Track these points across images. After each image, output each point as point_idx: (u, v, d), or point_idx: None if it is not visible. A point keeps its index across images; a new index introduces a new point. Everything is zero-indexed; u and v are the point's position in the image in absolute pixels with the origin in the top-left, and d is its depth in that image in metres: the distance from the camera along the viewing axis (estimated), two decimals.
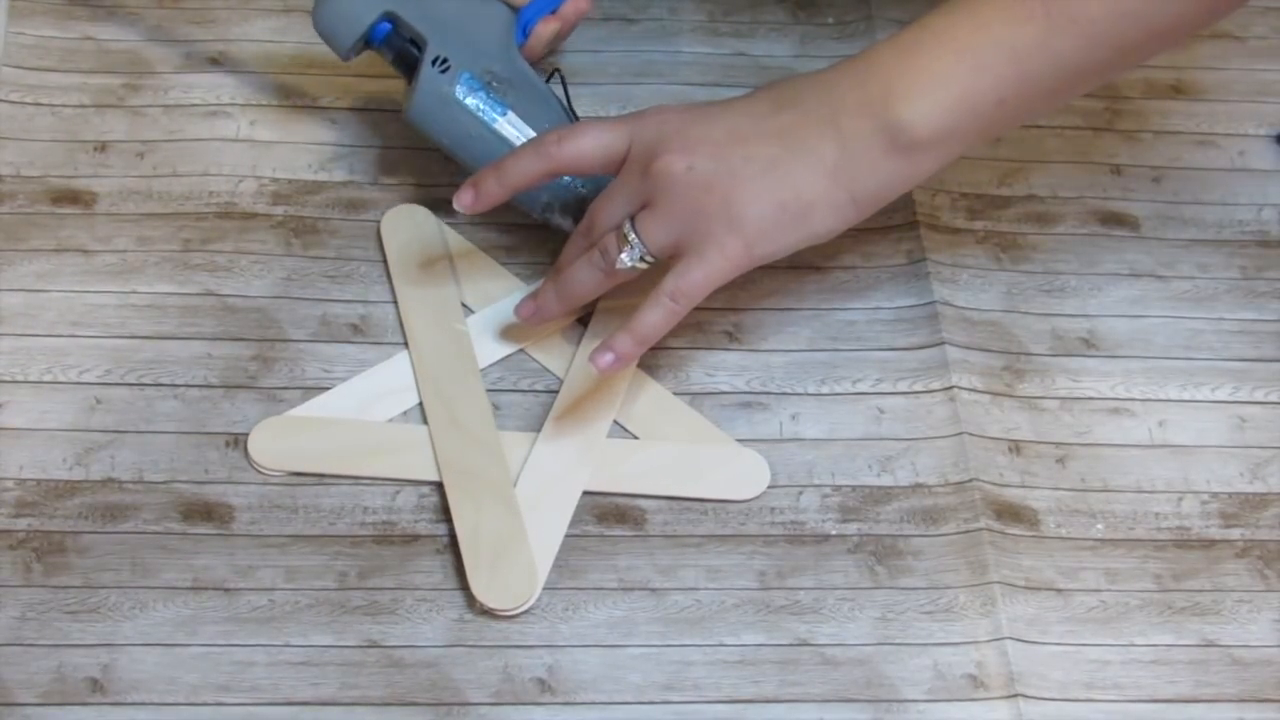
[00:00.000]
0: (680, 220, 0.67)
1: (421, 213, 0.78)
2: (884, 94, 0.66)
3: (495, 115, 0.74)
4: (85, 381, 0.71)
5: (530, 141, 0.71)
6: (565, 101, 0.77)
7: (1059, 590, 0.69)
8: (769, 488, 0.70)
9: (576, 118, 0.78)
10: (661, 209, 0.67)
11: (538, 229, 0.78)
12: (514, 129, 0.74)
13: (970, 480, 0.71)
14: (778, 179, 0.67)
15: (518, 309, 0.73)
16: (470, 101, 0.74)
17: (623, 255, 0.68)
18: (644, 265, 0.69)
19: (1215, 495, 0.72)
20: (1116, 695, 0.66)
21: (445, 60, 0.74)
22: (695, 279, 0.67)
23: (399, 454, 0.70)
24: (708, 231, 0.67)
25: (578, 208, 0.74)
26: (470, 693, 0.64)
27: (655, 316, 0.68)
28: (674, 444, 0.72)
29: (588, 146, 0.69)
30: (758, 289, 0.77)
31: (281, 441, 0.70)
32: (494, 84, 0.74)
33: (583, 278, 0.70)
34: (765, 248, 0.68)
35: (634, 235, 0.68)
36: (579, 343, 0.74)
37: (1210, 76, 0.88)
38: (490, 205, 0.70)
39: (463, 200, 0.70)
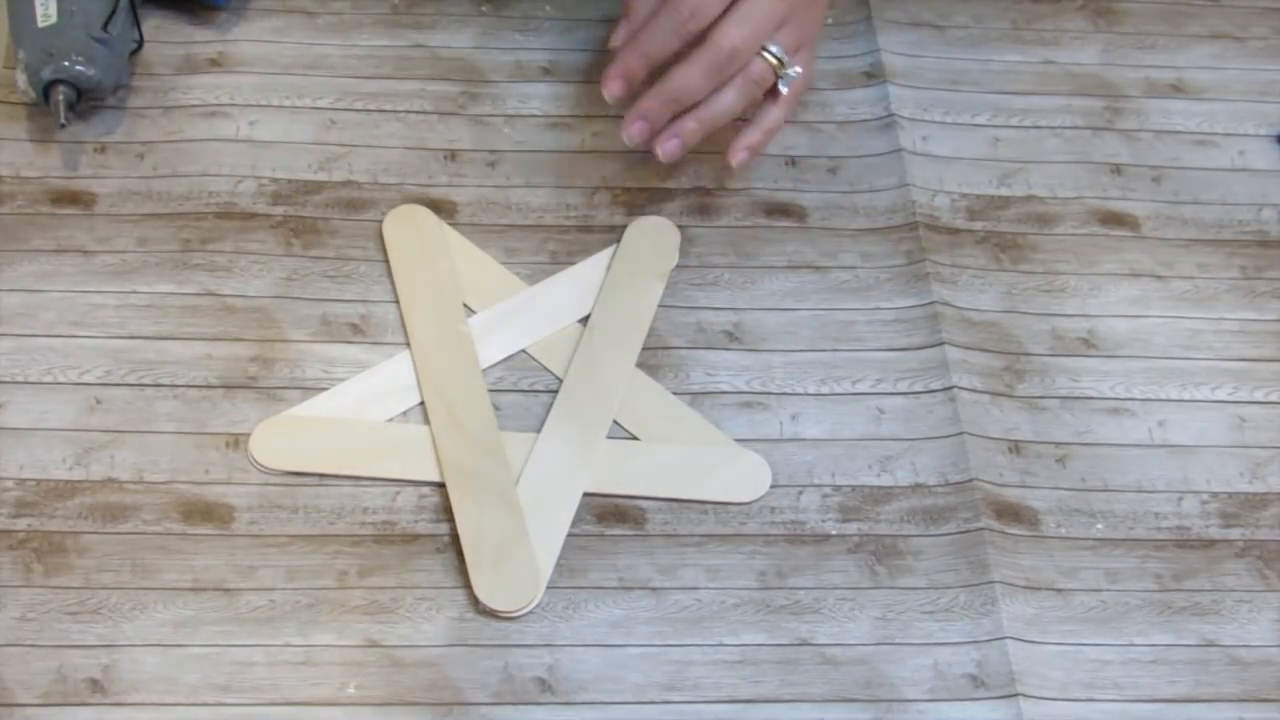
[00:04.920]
0: (797, 38, 0.76)
1: (423, 213, 0.78)
2: None
3: None
4: (85, 381, 0.71)
5: (667, 12, 0.74)
6: (122, 9, 0.80)
7: (1059, 590, 0.69)
8: (769, 488, 0.70)
9: (134, 23, 0.81)
10: (792, 29, 0.75)
11: (538, 229, 0.78)
12: None
13: (970, 480, 0.71)
14: None
15: (655, 145, 0.75)
16: None
17: (782, 86, 0.76)
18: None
19: (1215, 495, 0.72)
20: (1116, 695, 0.66)
21: None
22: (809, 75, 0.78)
23: (400, 454, 0.70)
24: (809, 46, 0.78)
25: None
26: (470, 692, 0.64)
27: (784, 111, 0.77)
28: (675, 446, 0.72)
29: (712, 2, 0.73)
30: (758, 289, 0.77)
31: (283, 440, 0.70)
32: None
33: (729, 101, 0.75)
34: None
35: (781, 52, 0.74)
36: (578, 342, 0.74)
37: (1210, 76, 0.88)
38: (636, 86, 0.75)
39: (614, 90, 0.75)
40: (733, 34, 0.73)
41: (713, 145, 0.81)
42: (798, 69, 0.76)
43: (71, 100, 0.77)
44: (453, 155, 0.81)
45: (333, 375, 0.72)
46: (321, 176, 0.79)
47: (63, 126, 0.77)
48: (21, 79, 0.77)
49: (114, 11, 0.79)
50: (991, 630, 0.67)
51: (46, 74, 0.76)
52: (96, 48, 0.77)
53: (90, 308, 0.74)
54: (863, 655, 0.66)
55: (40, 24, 0.77)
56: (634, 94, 0.75)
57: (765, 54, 0.75)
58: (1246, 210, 0.83)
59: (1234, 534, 0.71)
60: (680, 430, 0.72)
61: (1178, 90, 0.87)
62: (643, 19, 0.75)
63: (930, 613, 0.68)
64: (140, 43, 0.82)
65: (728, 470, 0.71)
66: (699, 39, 0.73)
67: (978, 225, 0.81)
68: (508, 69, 0.85)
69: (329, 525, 0.68)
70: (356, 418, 0.71)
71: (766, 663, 0.66)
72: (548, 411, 0.72)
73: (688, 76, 0.73)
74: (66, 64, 0.76)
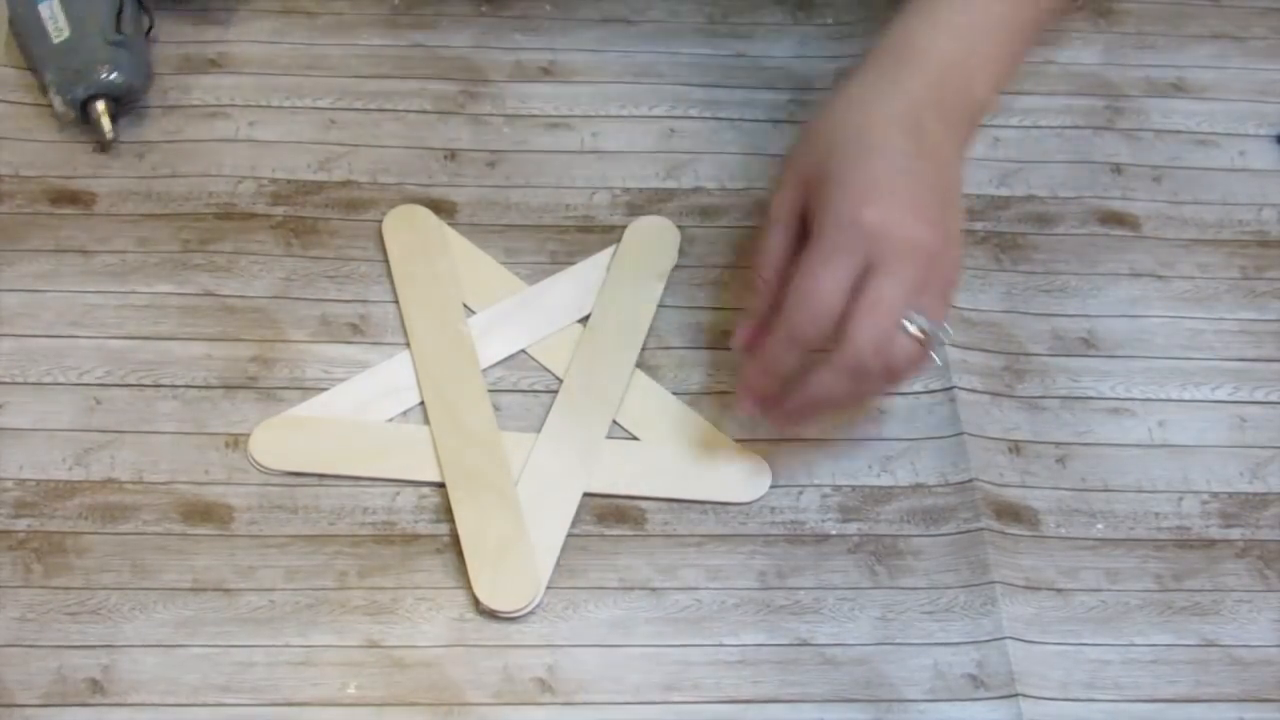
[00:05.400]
0: (942, 286, 0.66)
1: (423, 213, 0.78)
2: (966, 83, 0.69)
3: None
4: (85, 382, 0.71)
5: (783, 330, 0.65)
6: (128, 4, 0.79)
7: (1059, 590, 0.69)
8: (769, 488, 0.70)
9: (139, 13, 0.80)
10: (935, 285, 0.64)
11: (539, 229, 0.78)
12: (49, 13, 0.78)
13: (970, 480, 0.71)
14: (954, 196, 0.67)
15: (741, 405, 0.69)
16: None
17: (935, 354, 0.65)
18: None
19: (1215, 495, 0.72)
20: (1116, 695, 0.66)
21: None
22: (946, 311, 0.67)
23: (400, 454, 0.70)
24: (954, 279, 0.67)
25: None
26: (470, 693, 0.64)
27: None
28: (675, 446, 0.72)
29: (830, 301, 0.63)
30: None
31: (283, 441, 0.70)
32: None
33: (874, 391, 0.67)
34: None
35: (926, 323, 0.64)
36: (578, 342, 0.74)
37: (1210, 76, 0.88)
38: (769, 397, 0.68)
39: (747, 410, 0.68)
40: (867, 334, 0.62)
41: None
42: (948, 330, 0.66)
43: (113, 111, 0.77)
44: (452, 155, 0.81)
45: (333, 375, 0.72)
46: (321, 176, 0.79)
47: (112, 140, 0.77)
48: (57, 101, 0.77)
49: (121, 9, 0.78)
50: (991, 630, 0.67)
51: (80, 92, 0.77)
52: (119, 52, 0.78)
53: (90, 308, 0.74)
54: (863, 655, 0.66)
55: (55, 40, 0.77)
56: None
57: (909, 328, 0.64)
58: (1246, 210, 0.83)
59: (1234, 534, 0.71)
60: (680, 430, 0.72)
61: (1178, 90, 0.87)
62: (763, 315, 0.67)
63: (930, 613, 0.68)
64: (152, 23, 0.82)
65: (728, 470, 0.71)
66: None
67: (978, 225, 0.81)
68: (508, 69, 0.85)
69: (329, 525, 0.68)
70: (356, 418, 0.71)
71: (766, 663, 0.66)
72: (548, 411, 0.72)
73: (831, 386, 0.64)
74: (98, 77, 0.77)
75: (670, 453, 0.71)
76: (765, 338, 0.66)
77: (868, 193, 0.64)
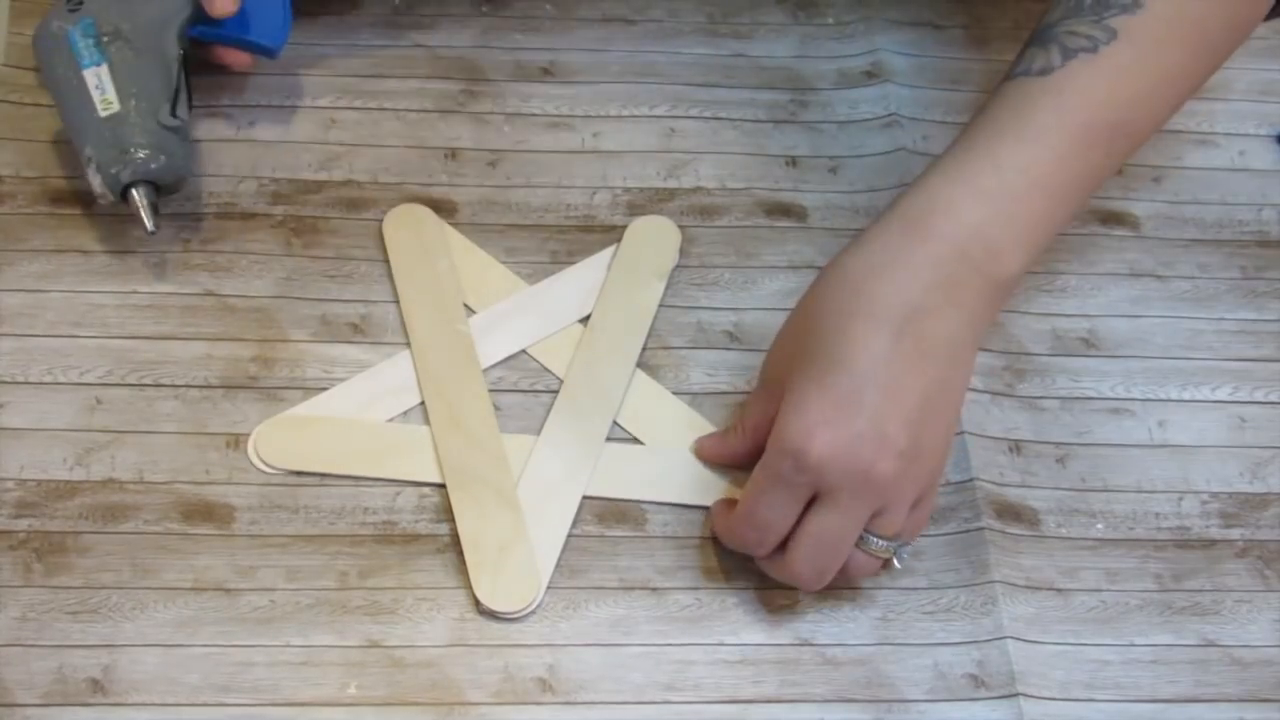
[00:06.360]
0: (912, 501, 0.63)
1: (424, 212, 0.78)
2: (991, 257, 0.62)
3: (89, 63, 0.71)
4: (85, 382, 0.71)
5: (732, 539, 0.66)
6: (182, 86, 0.73)
7: (1059, 590, 0.69)
8: None
9: (188, 97, 0.74)
10: (898, 507, 0.62)
11: (539, 229, 0.78)
12: (96, 80, 0.70)
13: (971, 480, 0.71)
14: (950, 396, 0.63)
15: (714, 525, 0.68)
16: (78, 43, 0.71)
17: (896, 563, 0.65)
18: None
19: (1215, 495, 0.72)
20: (1117, 695, 0.66)
21: (80, 2, 0.73)
22: (923, 522, 0.66)
23: (401, 454, 0.70)
24: (931, 486, 0.65)
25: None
26: (470, 692, 0.64)
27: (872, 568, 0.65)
28: (676, 450, 0.71)
29: (771, 527, 0.63)
30: (758, 289, 0.77)
31: (284, 441, 0.70)
32: (107, 39, 0.72)
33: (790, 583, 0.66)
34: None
35: (889, 545, 0.64)
36: (579, 343, 0.74)
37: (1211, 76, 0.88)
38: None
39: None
40: (804, 563, 0.63)
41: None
42: (909, 549, 0.65)
43: (154, 200, 0.71)
44: (453, 154, 0.81)
45: (333, 375, 0.72)
46: (321, 176, 0.79)
47: (153, 233, 0.71)
48: (96, 181, 0.70)
49: (178, 90, 0.72)
50: (992, 630, 0.67)
51: (126, 175, 0.70)
52: (171, 138, 0.71)
53: (90, 308, 0.73)
54: (863, 655, 0.66)
55: (101, 113, 0.70)
56: None
57: (865, 548, 0.64)
58: (1246, 210, 0.83)
59: (1234, 534, 0.71)
60: (681, 431, 0.72)
61: None
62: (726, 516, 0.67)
63: (931, 613, 0.68)
64: (191, 107, 0.76)
65: (729, 472, 0.71)
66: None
67: None
68: (508, 68, 0.85)
69: (329, 525, 0.68)
70: (357, 418, 0.71)
71: (767, 663, 0.66)
72: (548, 412, 0.72)
73: (776, 574, 0.66)
74: (148, 165, 0.70)
75: (672, 457, 0.71)
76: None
77: (821, 419, 0.60)
